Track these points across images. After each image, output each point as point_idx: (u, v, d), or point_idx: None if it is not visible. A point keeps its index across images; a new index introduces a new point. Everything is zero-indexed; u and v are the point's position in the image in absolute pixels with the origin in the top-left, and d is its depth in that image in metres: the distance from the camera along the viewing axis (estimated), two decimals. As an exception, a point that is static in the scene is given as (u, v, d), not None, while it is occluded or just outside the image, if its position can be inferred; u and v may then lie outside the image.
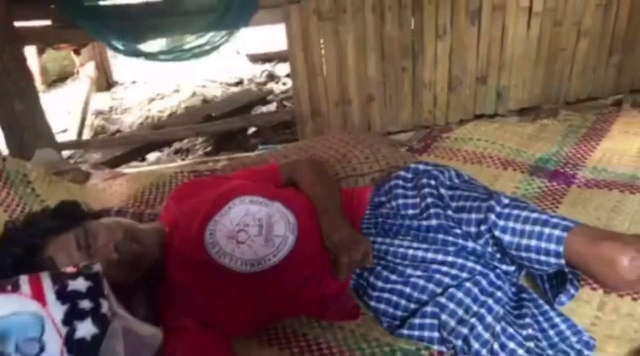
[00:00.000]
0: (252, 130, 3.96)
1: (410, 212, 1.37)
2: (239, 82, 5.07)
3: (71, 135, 4.08)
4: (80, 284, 0.95)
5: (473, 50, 2.66)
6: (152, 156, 3.92)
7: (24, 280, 0.96)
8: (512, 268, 1.27)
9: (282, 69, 5.05)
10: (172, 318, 1.24)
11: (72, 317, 0.91)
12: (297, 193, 1.48)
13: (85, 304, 0.93)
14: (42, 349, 0.88)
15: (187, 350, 1.15)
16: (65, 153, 3.45)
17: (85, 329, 0.91)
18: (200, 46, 2.70)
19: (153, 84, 5.18)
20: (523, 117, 2.59)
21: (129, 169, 2.74)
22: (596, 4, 2.62)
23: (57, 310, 0.91)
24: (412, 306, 1.23)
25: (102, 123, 4.57)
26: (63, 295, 0.92)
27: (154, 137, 3.79)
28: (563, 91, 2.80)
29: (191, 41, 2.74)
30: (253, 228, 1.33)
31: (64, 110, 4.60)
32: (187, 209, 1.42)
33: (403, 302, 1.25)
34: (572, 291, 1.26)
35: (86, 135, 4.28)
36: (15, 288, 0.93)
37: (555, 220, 1.16)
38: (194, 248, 1.31)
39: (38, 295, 0.91)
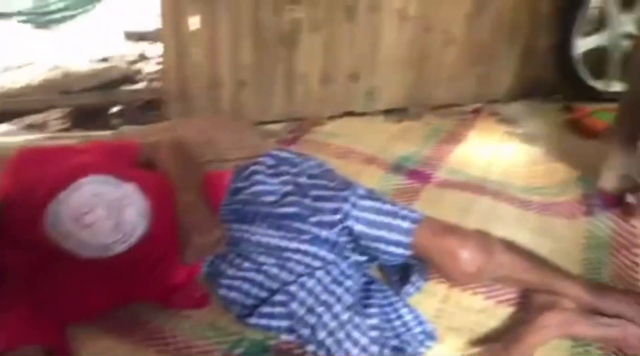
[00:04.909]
0: (115, 109, 3.74)
1: (270, 198, 1.34)
2: (105, 59, 4.77)
3: None
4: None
5: (347, 47, 2.68)
6: (1, 128, 3.57)
7: None
8: (363, 259, 1.28)
9: (157, 49, 4.84)
10: (2, 306, 1.11)
11: None
12: (154, 176, 1.37)
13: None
14: None
15: (22, 337, 1.04)
16: None
17: None
18: (65, 8, 2.50)
19: (11, 52, 4.74)
20: (388, 117, 2.67)
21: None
22: (464, 14, 2.75)
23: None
24: (264, 294, 1.21)
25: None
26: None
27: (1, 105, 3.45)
28: (429, 96, 2.90)
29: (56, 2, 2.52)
30: (102, 211, 1.22)
31: None
32: (27, 181, 1.26)
33: (254, 290, 1.22)
34: (418, 283, 1.30)
35: None
36: None
37: (404, 212, 1.19)
38: (32, 228, 1.17)
39: None
